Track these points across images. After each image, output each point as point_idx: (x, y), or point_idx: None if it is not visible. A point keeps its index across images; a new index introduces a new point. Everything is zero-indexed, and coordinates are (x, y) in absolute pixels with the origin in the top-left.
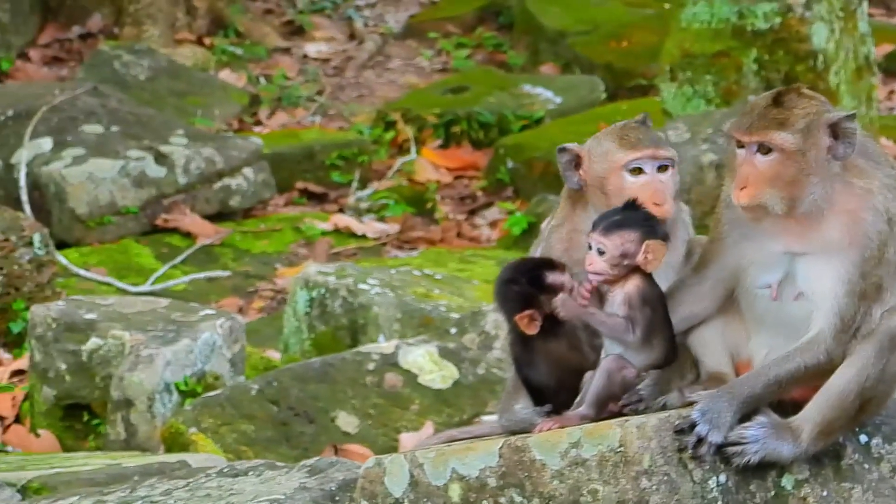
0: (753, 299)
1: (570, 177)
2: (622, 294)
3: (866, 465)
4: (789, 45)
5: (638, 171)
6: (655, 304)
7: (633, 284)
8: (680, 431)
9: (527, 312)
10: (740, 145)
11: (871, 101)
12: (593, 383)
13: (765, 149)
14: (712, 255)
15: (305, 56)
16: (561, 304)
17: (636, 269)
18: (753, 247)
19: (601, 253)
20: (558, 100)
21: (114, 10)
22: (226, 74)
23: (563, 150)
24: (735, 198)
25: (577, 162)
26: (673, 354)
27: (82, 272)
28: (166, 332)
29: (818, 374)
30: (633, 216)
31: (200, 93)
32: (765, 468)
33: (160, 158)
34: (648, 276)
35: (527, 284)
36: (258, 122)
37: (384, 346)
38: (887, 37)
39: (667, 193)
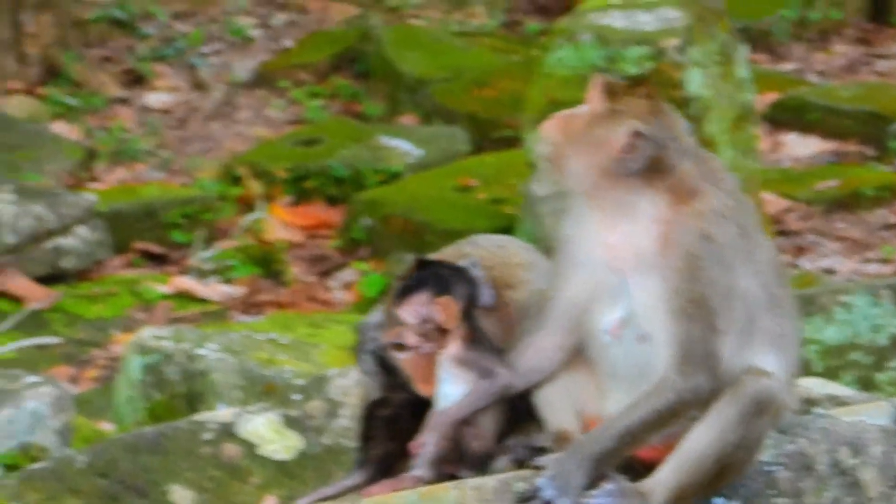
0: (601, 348)
1: None
2: (446, 363)
3: None
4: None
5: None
6: (488, 345)
7: (451, 349)
8: (524, 500)
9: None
10: None
11: (752, 152)
12: (427, 441)
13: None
14: (550, 295)
15: (146, 107)
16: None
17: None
18: (585, 274)
19: (406, 325)
20: (418, 152)
21: None
22: (60, 126)
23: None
24: None
25: None
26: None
27: None
28: None
29: (671, 419)
30: (421, 276)
31: (31, 146)
32: None
33: None
34: (469, 334)
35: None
36: (94, 178)
37: (222, 414)
38: (773, 85)
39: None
